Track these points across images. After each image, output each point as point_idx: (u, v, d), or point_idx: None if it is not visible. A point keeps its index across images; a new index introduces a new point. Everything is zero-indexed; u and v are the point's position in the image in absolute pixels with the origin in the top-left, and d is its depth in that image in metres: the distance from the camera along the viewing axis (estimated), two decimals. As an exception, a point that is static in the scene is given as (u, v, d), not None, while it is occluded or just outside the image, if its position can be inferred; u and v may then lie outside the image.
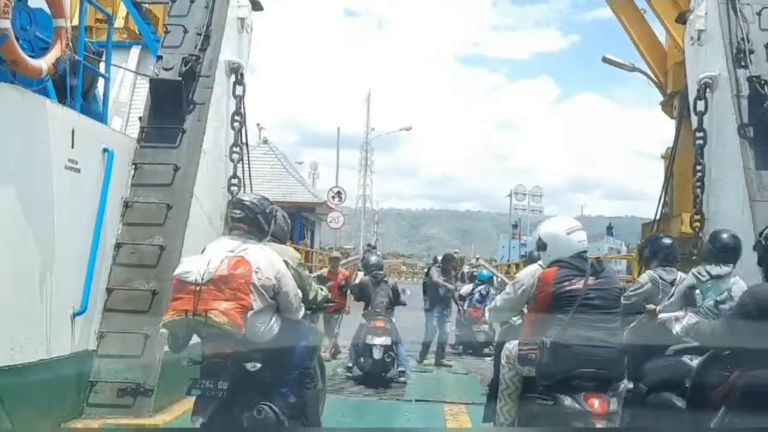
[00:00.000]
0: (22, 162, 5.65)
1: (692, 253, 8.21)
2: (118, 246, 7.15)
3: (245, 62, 8.76)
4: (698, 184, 8.19)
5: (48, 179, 5.98)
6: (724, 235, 5.92)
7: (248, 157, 8.98)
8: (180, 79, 7.69)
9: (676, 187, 12.56)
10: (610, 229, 61.21)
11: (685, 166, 12.47)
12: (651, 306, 5.56)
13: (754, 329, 4.02)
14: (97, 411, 6.50)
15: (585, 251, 4.69)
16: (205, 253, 4.80)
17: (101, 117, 7.61)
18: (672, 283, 5.85)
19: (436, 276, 12.32)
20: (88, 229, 6.57)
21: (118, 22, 11.19)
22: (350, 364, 9.99)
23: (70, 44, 6.07)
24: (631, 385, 5.11)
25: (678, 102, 12.80)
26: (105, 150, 6.85)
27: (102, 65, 8.01)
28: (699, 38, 8.58)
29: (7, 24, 5.29)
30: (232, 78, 8.43)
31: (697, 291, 5.53)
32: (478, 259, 29.73)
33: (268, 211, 5.08)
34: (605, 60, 13.60)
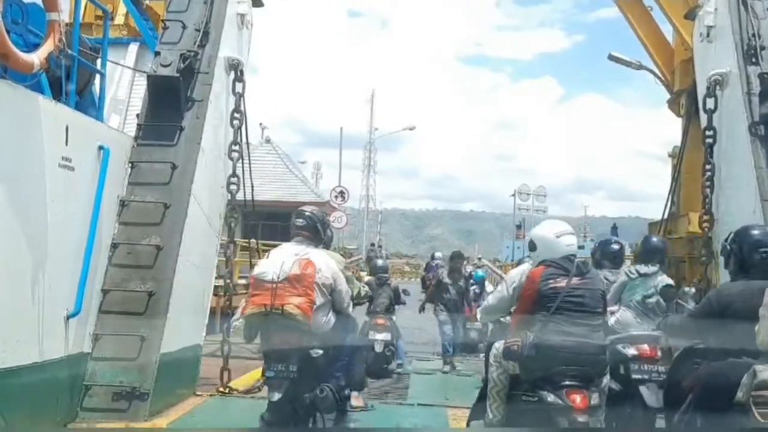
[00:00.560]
0: (14, 159, 5.49)
1: (701, 254, 8.04)
2: (113, 246, 6.98)
3: (245, 59, 8.60)
4: (708, 183, 8.01)
5: (41, 177, 5.81)
6: (654, 239, 7.07)
7: (248, 155, 8.81)
8: (178, 75, 7.53)
9: (683, 186, 12.39)
10: (614, 229, 60.74)
11: (693, 165, 12.28)
12: None
13: (716, 325, 4.40)
14: (91, 415, 6.34)
15: (574, 254, 4.84)
16: (273, 257, 5.57)
17: (98, 114, 7.45)
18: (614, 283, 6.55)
19: (445, 277, 11.86)
20: (82, 228, 6.40)
21: (118, 19, 11.07)
22: None
23: (63, 39, 5.89)
24: None
25: (685, 100, 12.62)
26: (100, 147, 6.68)
27: (99, 62, 7.86)
28: (708, 34, 8.40)
29: (-3, 17, 5.12)
30: (232, 75, 8.27)
31: (627, 287, 6.40)
32: (480, 259, 29.53)
33: (324, 221, 5.99)
34: (611, 58, 13.43)
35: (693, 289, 8.55)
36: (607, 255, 6.98)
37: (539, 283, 4.70)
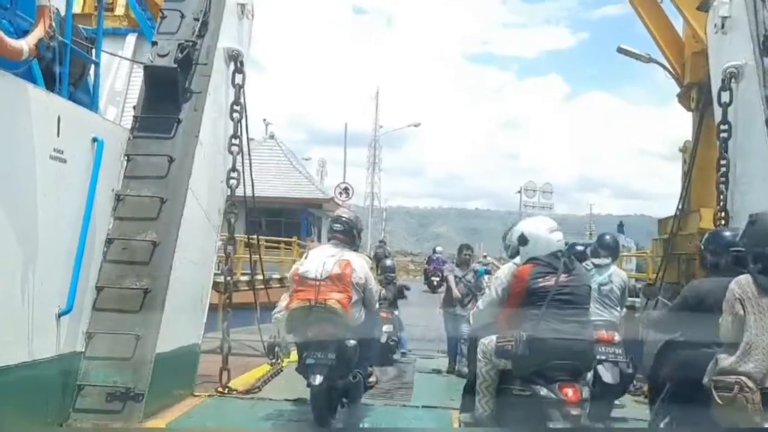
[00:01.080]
0: (2, 151, 5.26)
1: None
2: (108, 242, 6.76)
3: (245, 50, 8.36)
4: (722, 179, 7.77)
5: (31, 170, 5.58)
6: (606, 237, 7.97)
7: (249, 149, 8.57)
8: (176, 66, 7.30)
9: (694, 181, 12.16)
10: (621, 227, 60.59)
11: (704, 160, 12.05)
12: None
13: (691, 318, 4.89)
14: (84, 416, 6.12)
15: (561, 250, 5.06)
16: (314, 257, 6.36)
17: (92, 106, 7.23)
18: None
19: (449, 272, 11.42)
20: (75, 223, 6.17)
21: (118, 10, 10.86)
22: None
23: (54, 25, 5.66)
24: None
25: (696, 93, 12.37)
26: (94, 139, 6.46)
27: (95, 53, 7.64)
28: (723, 26, 8.13)
29: (-17, 2, 4.91)
30: (231, 66, 8.04)
31: None
32: (486, 256, 29.34)
33: (359, 227, 6.83)
34: (620, 50, 13.16)
35: None
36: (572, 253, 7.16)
37: (528, 282, 4.87)
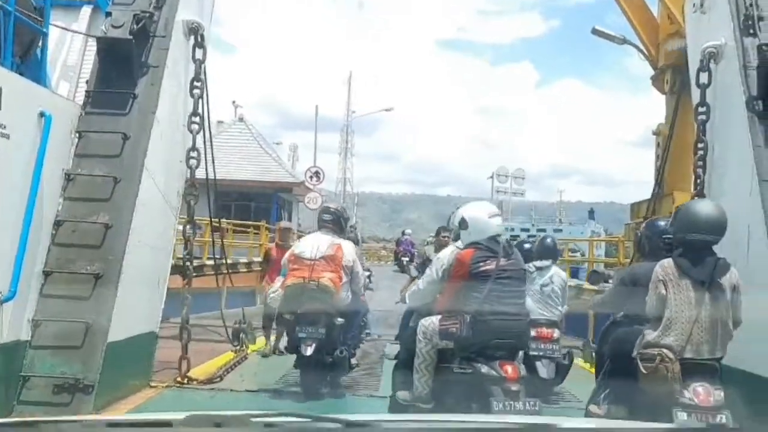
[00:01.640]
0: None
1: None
2: (57, 224, 6.37)
3: (207, 24, 7.95)
4: (700, 163, 7.51)
5: (-32, 145, 5.18)
6: (547, 239, 8.53)
7: (210, 128, 8.19)
8: (131, 38, 6.88)
9: (668, 164, 12.06)
10: (591, 213, 61.12)
11: (678, 143, 11.94)
12: None
13: (627, 299, 5.42)
14: (29, 409, 5.73)
15: (499, 234, 5.29)
16: (308, 240, 7.28)
17: (41, 79, 6.80)
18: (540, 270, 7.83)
19: (432, 255, 10.98)
20: (19, 203, 5.77)
21: (75, -18, 10.34)
22: None
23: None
24: None
25: (670, 76, 12.24)
26: (41, 114, 6.05)
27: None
28: (702, 5, 7.88)
29: None
30: (192, 40, 7.62)
31: (528, 280, 7.07)
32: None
33: (346, 216, 7.67)
34: (595, 32, 12.96)
35: None
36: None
37: (470, 266, 5.07)
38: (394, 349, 10.90)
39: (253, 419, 1.74)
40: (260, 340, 10.26)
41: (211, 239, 11.31)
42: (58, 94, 7.27)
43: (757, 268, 6.29)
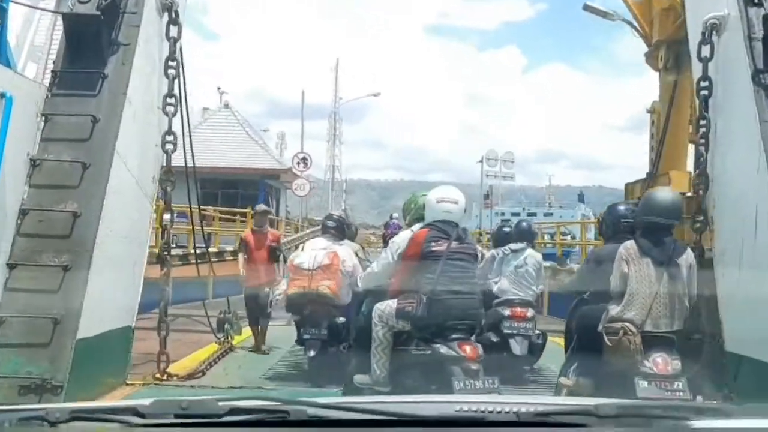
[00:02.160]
0: None
1: (695, 219, 7.24)
2: (22, 213, 5.94)
3: (182, 0, 7.50)
4: (702, 140, 7.16)
5: None
6: (523, 223, 9.13)
7: (187, 110, 7.78)
8: (99, 14, 6.42)
9: (661, 144, 11.76)
10: (581, 197, 61.15)
11: (672, 121, 11.62)
12: None
13: (593, 276, 5.84)
14: (-7, 412, 5.34)
15: (453, 221, 5.35)
16: (308, 250, 7.72)
17: (3, 58, 6.36)
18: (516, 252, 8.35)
19: None
20: (-22, 191, 5.36)
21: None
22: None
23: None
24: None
25: (664, 52, 11.89)
26: (1, 96, 5.62)
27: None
28: (703, -26, 7.51)
29: None
30: (165, 17, 7.17)
31: (503, 261, 8.25)
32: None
33: (348, 223, 8.39)
34: (587, 8, 12.57)
35: None
36: (500, 234, 9.07)
37: (423, 245, 5.20)
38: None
39: (220, 403, 1.72)
40: (246, 331, 9.88)
41: (191, 227, 10.88)
42: (20, 74, 6.81)
43: (765, 246, 5.99)
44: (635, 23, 12.27)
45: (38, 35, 7.91)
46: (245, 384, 7.07)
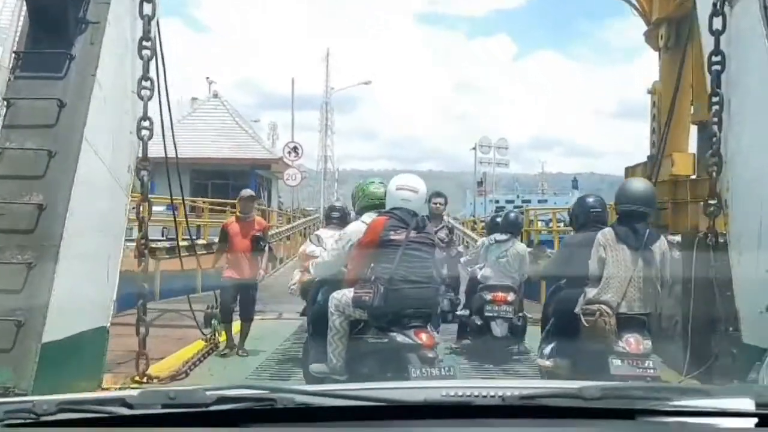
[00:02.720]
0: None
1: (707, 203, 6.80)
2: (-19, 205, 5.47)
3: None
4: (714, 119, 6.71)
5: None
6: (511, 215, 9.71)
7: (167, 94, 7.31)
8: (64, -11, 5.95)
9: (662, 125, 11.31)
10: (575, 183, 61.12)
11: (673, 102, 11.18)
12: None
13: (567, 265, 6.22)
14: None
15: (411, 210, 5.30)
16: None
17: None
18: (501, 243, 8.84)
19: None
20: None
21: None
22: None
23: None
24: (467, 312, 8.76)
25: (665, 31, 11.45)
26: (-43, 79, 5.15)
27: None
28: (713, -60, 7.03)
29: None
30: (138, -7, 6.68)
31: (488, 250, 8.78)
32: (448, 215, 28.54)
33: (347, 211, 7.88)
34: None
35: (678, 238, 8.68)
36: (493, 224, 9.67)
37: (381, 233, 5.15)
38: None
39: (208, 392, 1.73)
40: (235, 326, 9.46)
41: (179, 218, 10.42)
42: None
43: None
44: (634, 1, 11.81)
45: (2, 16, 7.38)
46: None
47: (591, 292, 5.51)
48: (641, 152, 12.17)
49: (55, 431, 1.68)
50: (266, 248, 9.08)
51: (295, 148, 29.57)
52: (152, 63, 6.74)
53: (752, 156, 6.24)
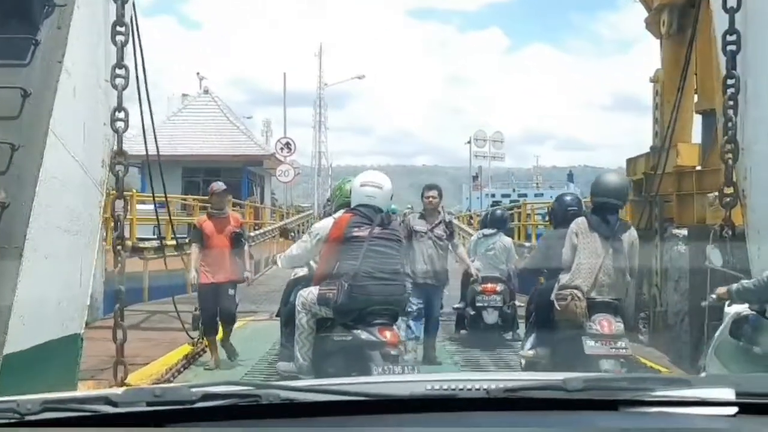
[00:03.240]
0: None
1: (723, 193, 6.40)
2: (-62, 204, 5.00)
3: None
4: (731, 103, 6.30)
5: None
6: (497, 212, 10.81)
7: (146, 84, 6.86)
8: (27, -33, 5.49)
9: (664, 114, 10.94)
10: (571, 177, 60.89)
11: (675, 90, 10.78)
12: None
13: (546, 259, 6.68)
14: None
15: (377, 207, 5.33)
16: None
17: None
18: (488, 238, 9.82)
19: (416, 224, 8.29)
20: None
21: None
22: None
23: None
24: (463, 305, 9.57)
25: (666, 16, 11.07)
26: None
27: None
28: None
29: None
30: (110, -27, 6.21)
31: (478, 244, 9.76)
32: (443, 208, 28.27)
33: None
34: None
35: (685, 231, 8.95)
36: (490, 216, 10.73)
37: (345, 230, 5.19)
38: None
39: (193, 389, 1.72)
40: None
41: (167, 217, 9.99)
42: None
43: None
44: (635, -15, 11.39)
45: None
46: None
47: (564, 278, 5.89)
48: (635, 145, 11.85)
49: (39, 431, 1.65)
50: (246, 247, 8.49)
51: (287, 144, 29.13)
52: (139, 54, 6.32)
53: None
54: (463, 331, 9.73)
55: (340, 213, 5.47)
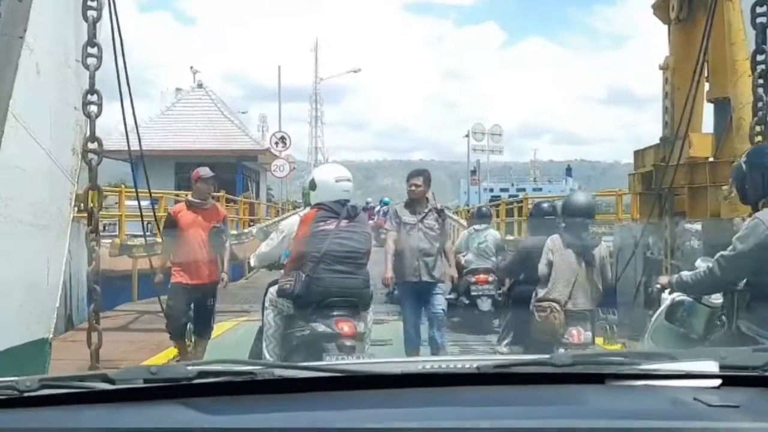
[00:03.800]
0: None
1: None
2: None
3: None
4: (761, 81, 5.78)
5: None
6: (483, 208, 12.89)
7: (125, 65, 6.29)
8: (-17, -66, 4.93)
9: (676, 104, 10.39)
10: (569, 171, 60.67)
11: (685, 77, 10.27)
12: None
13: (523, 266, 7.30)
14: None
15: (347, 200, 5.35)
16: None
17: None
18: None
19: (405, 215, 7.33)
20: None
21: None
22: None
23: None
24: (454, 296, 9.77)
25: (676, 0, 10.53)
26: None
27: None
28: None
29: None
30: (79, -59, 5.64)
31: (470, 238, 10.58)
32: (432, 195, 28.06)
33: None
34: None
35: (698, 226, 9.04)
36: (477, 212, 12.25)
37: (311, 225, 5.17)
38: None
39: (189, 367, 1.73)
40: (220, 327, 8.50)
41: (152, 214, 9.43)
42: None
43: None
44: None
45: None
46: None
47: (542, 291, 6.23)
48: (631, 140, 11.38)
49: (37, 410, 1.63)
50: (227, 245, 7.46)
51: (282, 138, 28.56)
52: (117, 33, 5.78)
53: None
54: (455, 319, 10.01)
55: (306, 210, 5.43)
